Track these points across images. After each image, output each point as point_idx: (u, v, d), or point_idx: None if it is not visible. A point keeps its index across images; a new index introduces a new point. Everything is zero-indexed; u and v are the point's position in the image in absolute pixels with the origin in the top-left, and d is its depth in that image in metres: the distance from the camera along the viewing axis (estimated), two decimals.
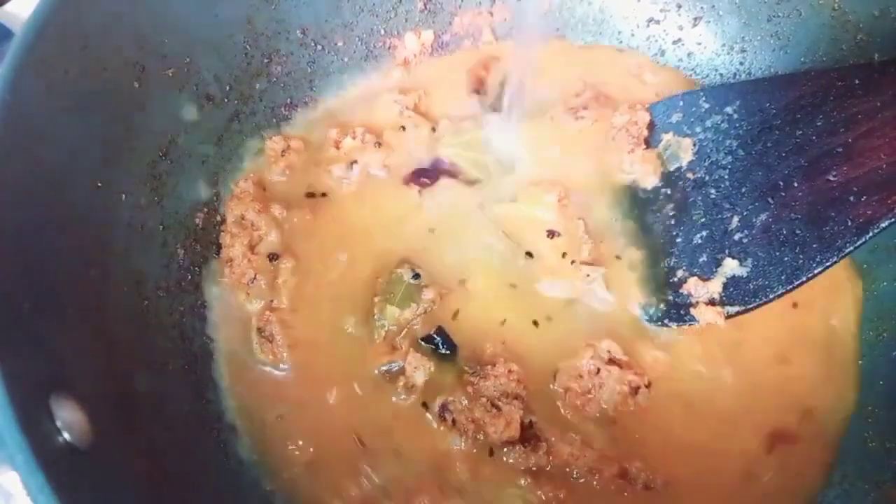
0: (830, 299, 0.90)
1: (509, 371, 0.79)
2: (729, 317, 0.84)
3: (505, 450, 0.77)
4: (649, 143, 0.98)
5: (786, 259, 0.82)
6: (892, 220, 0.74)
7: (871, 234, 0.76)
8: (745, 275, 0.84)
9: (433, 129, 1.00)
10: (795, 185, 0.83)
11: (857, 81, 0.82)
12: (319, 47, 1.03)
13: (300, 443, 0.78)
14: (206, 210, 0.89)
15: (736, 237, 0.86)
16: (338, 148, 0.96)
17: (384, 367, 0.82)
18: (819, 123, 0.83)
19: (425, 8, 1.08)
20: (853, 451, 0.82)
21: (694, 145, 0.95)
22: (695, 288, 0.86)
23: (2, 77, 0.60)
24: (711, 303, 0.85)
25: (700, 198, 0.91)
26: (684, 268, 0.89)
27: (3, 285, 0.55)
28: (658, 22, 1.11)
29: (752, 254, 0.84)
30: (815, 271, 0.79)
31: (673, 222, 0.92)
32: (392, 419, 0.79)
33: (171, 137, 0.84)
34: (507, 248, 0.91)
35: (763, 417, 0.83)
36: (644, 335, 0.87)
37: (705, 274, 0.87)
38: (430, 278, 0.87)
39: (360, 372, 0.82)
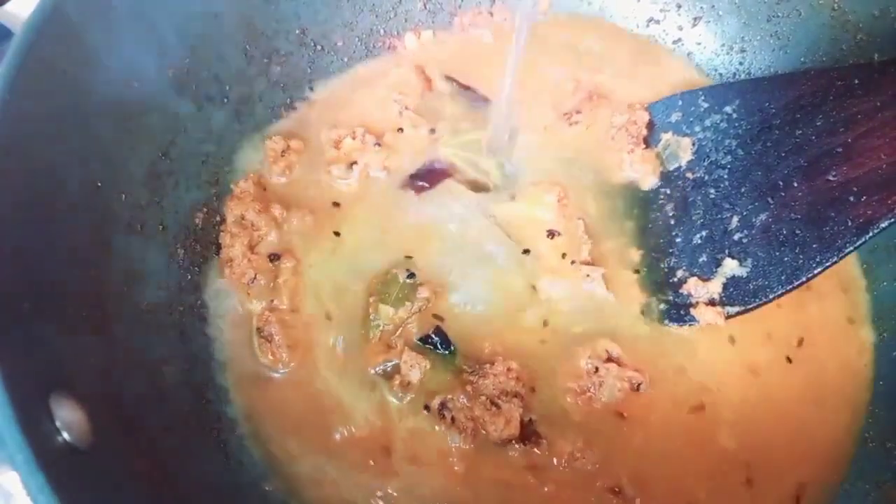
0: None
1: (508, 369, 0.79)
2: (729, 317, 0.84)
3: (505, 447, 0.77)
4: (648, 142, 0.98)
5: (786, 259, 0.82)
6: (892, 220, 0.74)
7: (871, 234, 0.76)
8: (744, 275, 0.84)
9: (432, 131, 1.00)
10: (795, 185, 0.83)
11: (856, 81, 0.82)
12: (319, 47, 1.03)
13: (300, 443, 0.78)
14: (206, 210, 0.89)
15: (736, 237, 0.86)
16: (338, 148, 0.96)
17: (380, 367, 0.82)
18: (819, 123, 0.83)
19: (425, 8, 1.08)
20: (853, 451, 0.82)
21: (693, 145, 0.95)
22: (695, 288, 0.86)
23: (2, 77, 0.60)
24: (711, 303, 0.85)
25: (699, 197, 0.91)
26: (684, 268, 0.89)
27: (3, 285, 0.55)
28: (658, 22, 1.11)
29: (752, 254, 0.84)
30: (815, 271, 0.79)
31: (672, 222, 0.92)
32: (391, 418, 0.80)
33: (171, 137, 0.84)
34: (506, 248, 0.91)
35: None
36: (644, 335, 0.87)
37: (705, 274, 0.87)
38: (427, 278, 0.87)
39: (358, 371, 0.82)
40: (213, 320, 0.85)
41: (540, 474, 0.77)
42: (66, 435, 0.52)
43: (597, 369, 0.81)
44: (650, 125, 0.99)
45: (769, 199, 0.85)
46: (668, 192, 0.94)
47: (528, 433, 0.78)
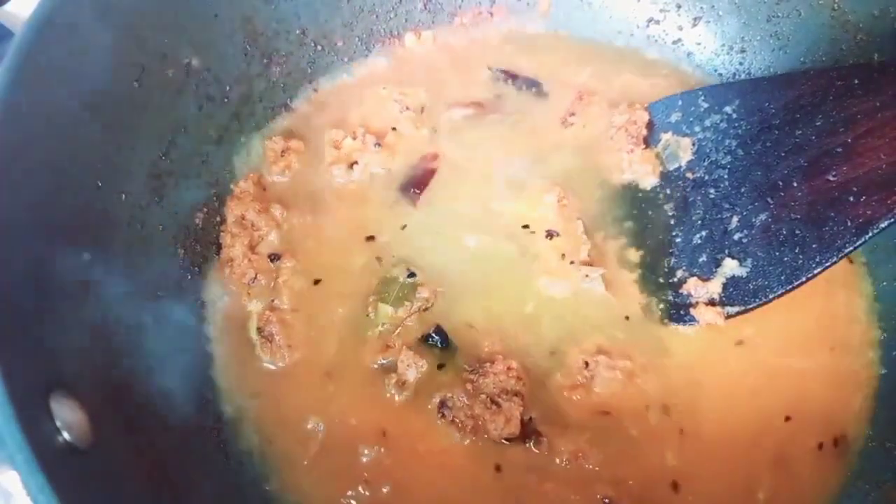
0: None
1: (508, 368, 0.79)
2: (729, 317, 0.84)
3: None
4: (648, 142, 0.98)
5: (785, 259, 0.82)
6: (892, 220, 0.74)
7: (870, 234, 0.76)
8: (744, 275, 0.84)
9: (433, 130, 1.00)
10: (795, 185, 0.83)
11: (856, 81, 0.82)
12: (319, 47, 1.03)
13: (300, 442, 0.78)
14: (206, 210, 0.89)
15: (735, 237, 0.86)
16: (338, 148, 0.96)
17: (378, 364, 0.82)
18: (818, 123, 0.83)
19: (425, 8, 1.08)
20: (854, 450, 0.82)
21: (693, 145, 0.95)
22: (694, 288, 0.86)
23: (2, 77, 0.60)
24: (711, 303, 0.85)
25: (699, 197, 0.91)
26: (684, 268, 0.89)
27: (3, 285, 0.55)
28: (658, 22, 1.12)
29: (752, 254, 0.84)
30: (815, 271, 0.79)
31: (672, 222, 0.92)
32: (390, 417, 0.80)
33: (171, 137, 0.84)
34: (505, 248, 0.91)
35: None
36: (643, 335, 0.87)
37: (705, 274, 0.87)
38: (427, 278, 0.87)
39: (358, 370, 0.82)
40: (213, 320, 0.85)
41: (540, 473, 0.77)
42: (66, 435, 0.52)
43: (587, 364, 0.82)
44: (650, 125, 0.99)
45: (769, 199, 0.85)
46: (668, 192, 0.94)
47: (528, 432, 0.78)
